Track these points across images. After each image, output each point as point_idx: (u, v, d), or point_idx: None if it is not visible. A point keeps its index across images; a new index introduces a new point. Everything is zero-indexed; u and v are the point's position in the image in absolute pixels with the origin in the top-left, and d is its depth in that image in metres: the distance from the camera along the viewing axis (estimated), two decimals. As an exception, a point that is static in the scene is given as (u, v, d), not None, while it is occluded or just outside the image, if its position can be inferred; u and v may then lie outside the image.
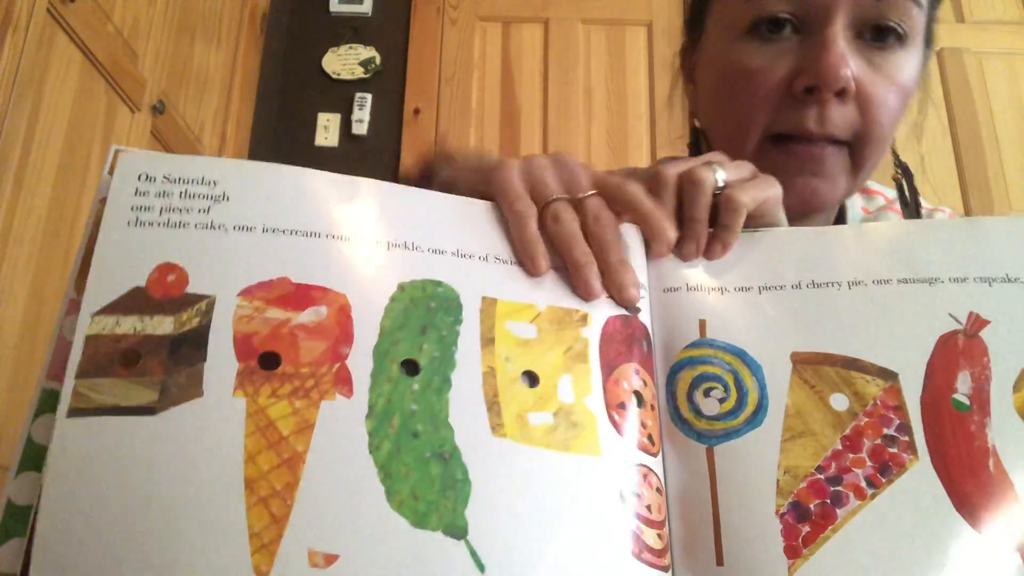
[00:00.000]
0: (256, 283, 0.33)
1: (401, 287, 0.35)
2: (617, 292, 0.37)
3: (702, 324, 0.38)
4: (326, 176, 0.37)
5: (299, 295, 0.33)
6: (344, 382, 0.32)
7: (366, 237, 0.35)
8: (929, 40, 0.55)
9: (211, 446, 0.30)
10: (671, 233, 0.39)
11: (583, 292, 0.37)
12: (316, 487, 0.29)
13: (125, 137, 1.54)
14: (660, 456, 0.35)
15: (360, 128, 2.15)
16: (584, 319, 0.36)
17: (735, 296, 0.38)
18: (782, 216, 0.42)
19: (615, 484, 0.33)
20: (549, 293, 0.37)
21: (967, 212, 2.10)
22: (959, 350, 0.36)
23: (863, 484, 0.33)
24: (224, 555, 0.28)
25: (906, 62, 0.51)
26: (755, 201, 0.40)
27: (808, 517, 0.33)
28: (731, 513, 0.33)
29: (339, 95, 2.19)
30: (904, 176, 0.61)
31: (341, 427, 0.31)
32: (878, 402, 0.35)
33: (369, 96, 2.18)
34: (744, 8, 0.52)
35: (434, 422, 0.32)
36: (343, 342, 0.33)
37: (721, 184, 0.40)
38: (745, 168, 0.43)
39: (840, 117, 0.49)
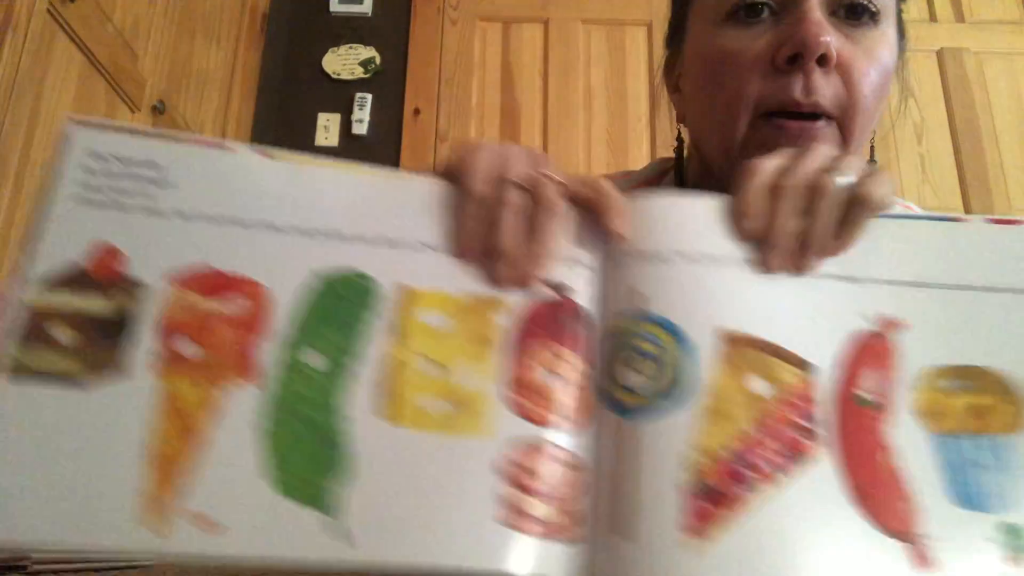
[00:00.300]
0: (184, 270, 0.35)
1: (320, 277, 0.36)
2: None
3: (637, 295, 0.38)
4: (272, 162, 0.38)
5: (221, 284, 0.35)
6: (251, 369, 0.34)
7: (296, 226, 0.37)
8: (902, 31, 0.57)
9: (126, 421, 0.33)
10: (621, 224, 0.39)
11: (488, 279, 0.38)
12: (212, 463, 0.33)
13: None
14: (588, 432, 0.36)
15: (360, 128, 2.17)
16: (500, 305, 0.37)
17: (673, 266, 0.38)
18: (894, 203, 0.41)
19: (497, 461, 0.34)
20: (470, 280, 0.38)
21: (967, 212, 2.09)
22: (866, 349, 0.37)
23: (770, 469, 0.34)
24: (125, 513, 0.31)
25: (882, 40, 0.53)
26: (888, 198, 0.39)
27: (714, 497, 0.34)
28: (639, 488, 0.34)
29: (339, 95, 2.21)
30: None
31: (243, 411, 0.34)
32: (793, 391, 0.36)
33: (369, 96, 2.20)
34: None
35: (329, 410, 0.34)
36: (256, 331, 0.35)
37: (848, 182, 0.39)
38: (861, 161, 0.42)
39: (825, 87, 0.50)
